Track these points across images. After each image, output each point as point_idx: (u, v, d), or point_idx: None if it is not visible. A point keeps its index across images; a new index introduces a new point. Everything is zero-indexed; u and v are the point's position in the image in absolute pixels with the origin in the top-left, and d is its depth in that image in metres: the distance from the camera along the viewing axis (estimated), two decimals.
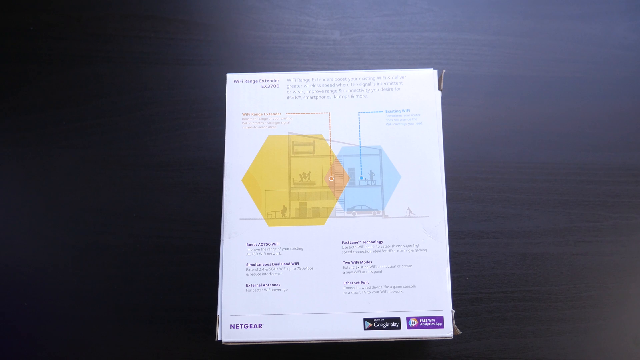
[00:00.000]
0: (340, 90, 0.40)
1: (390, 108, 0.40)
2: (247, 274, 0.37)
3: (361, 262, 0.37)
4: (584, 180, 0.49)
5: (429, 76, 0.40)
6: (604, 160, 0.49)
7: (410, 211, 0.38)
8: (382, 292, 0.37)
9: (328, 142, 0.39)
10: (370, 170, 0.39)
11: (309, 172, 0.39)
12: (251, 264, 0.37)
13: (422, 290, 0.37)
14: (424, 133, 0.39)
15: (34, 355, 0.45)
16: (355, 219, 0.38)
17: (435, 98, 0.40)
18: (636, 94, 0.51)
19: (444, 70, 0.40)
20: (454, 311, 0.37)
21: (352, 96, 0.40)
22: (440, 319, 0.37)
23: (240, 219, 0.38)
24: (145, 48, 0.52)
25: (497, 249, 0.47)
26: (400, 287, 0.37)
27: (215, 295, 0.37)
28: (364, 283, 0.37)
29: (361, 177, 0.39)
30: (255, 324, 0.36)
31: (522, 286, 0.46)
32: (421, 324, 0.36)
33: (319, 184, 0.39)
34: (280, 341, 0.36)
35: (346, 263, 0.37)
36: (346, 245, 0.38)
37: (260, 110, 0.40)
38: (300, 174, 0.39)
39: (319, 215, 0.38)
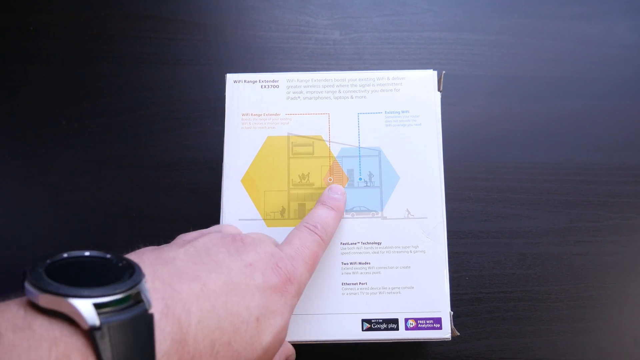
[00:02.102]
0: (339, 91, 0.40)
1: (389, 109, 0.40)
2: None
3: (360, 263, 0.37)
4: (584, 180, 0.49)
5: (428, 77, 0.40)
6: (604, 160, 0.49)
7: (409, 212, 0.38)
8: (380, 293, 0.37)
9: (327, 143, 0.39)
10: (369, 172, 0.39)
11: (308, 173, 0.39)
12: None
13: (420, 291, 0.37)
14: (424, 134, 0.39)
15: None
16: (353, 220, 0.38)
17: (434, 99, 0.40)
18: (636, 94, 0.51)
19: (444, 72, 0.40)
20: (452, 312, 0.37)
21: (352, 97, 0.40)
22: (438, 320, 0.37)
23: (240, 220, 0.38)
24: (145, 48, 0.52)
25: (497, 249, 0.47)
26: (399, 288, 0.37)
27: None
28: (362, 284, 0.37)
29: (360, 178, 0.39)
30: None
31: (522, 286, 0.46)
32: (419, 325, 0.36)
33: (318, 185, 0.39)
34: None
35: (344, 264, 0.37)
36: (345, 246, 0.38)
37: (259, 111, 0.40)
38: (299, 175, 0.39)
39: None
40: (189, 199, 0.48)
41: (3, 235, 0.47)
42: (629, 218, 0.48)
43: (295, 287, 0.29)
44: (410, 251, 0.38)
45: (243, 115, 0.40)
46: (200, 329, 0.23)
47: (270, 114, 0.40)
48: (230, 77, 0.41)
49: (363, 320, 0.37)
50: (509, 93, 0.51)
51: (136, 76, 0.51)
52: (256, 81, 0.41)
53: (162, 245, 0.30)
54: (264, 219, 0.38)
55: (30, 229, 0.48)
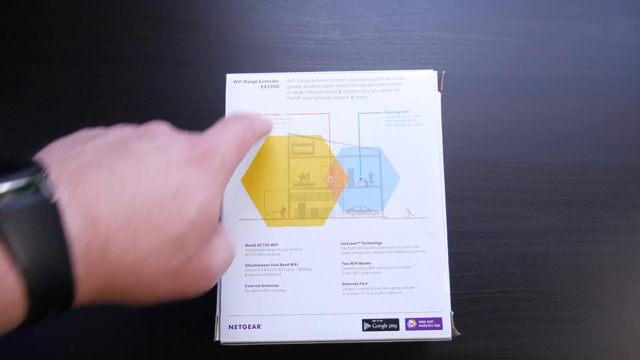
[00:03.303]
0: (339, 91, 0.40)
1: (389, 109, 0.40)
2: (246, 275, 0.37)
3: (360, 263, 0.37)
4: (584, 180, 0.49)
5: (428, 77, 0.40)
6: (604, 160, 0.49)
7: (410, 212, 0.38)
8: (380, 293, 0.37)
9: (327, 143, 0.39)
10: (370, 171, 0.39)
11: (308, 172, 0.39)
12: (250, 265, 0.37)
13: (421, 291, 0.37)
14: (424, 134, 0.39)
15: (32, 355, 0.45)
16: (354, 220, 0.38)
17: (435, 99, 0.40)
18: (636, 94, 0.51)
19: (444, 72, 0.40)
20: (452, 312, 0.37)
21: (352, 97, 0.40)
22: (439, 321, 0.37)
23: (240, 220, 0.38)
24: (145, 48, 0.52)
25: (497, 249, 0.47)
26: (399, 288, 0.37)
27: (214, 295, 0.37)
28: (363, 284, 0.37)
29: (360, 178, 0.39)
30: (254, 325, 0.36)
31: (522, 286, 0.46)
32: (420, 325, 0.37)
33: (318, 185, 0.39)
34: (279, 342, 0.36)
35: (345, 264, 0.37)
36: (345, 246, 0.38)
37: (259, 111, 0.40)
38: (299, 175, 0.39)
39: (318, 216, 0.38)
40: None
41: None
42: (629, 218, 0.48)
43: (218, 160, 0.28)
44: (411, 251, 0.38)
45: None
46: (112, 208, 0.23)
47: (270, 114, 0.40)
48: (230, 77, 0.41)
49: (363, 321, 0.37)
50: (509, 93, 0.51)
51: (136, 76, 0.51)
52: (256, 81, 0.41)
53: (71, 138, 0.28)
54: (264, 219, 0.38)
55: None
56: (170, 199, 0.25)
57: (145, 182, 0.24)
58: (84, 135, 0.28)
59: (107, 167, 0.24)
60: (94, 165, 0.24)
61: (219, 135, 0.30)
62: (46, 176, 0.22)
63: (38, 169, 0.22)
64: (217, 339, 0.37)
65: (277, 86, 0.41)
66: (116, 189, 0.23)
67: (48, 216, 0.21)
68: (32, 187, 0.21)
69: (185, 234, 0.25)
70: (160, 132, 0.28)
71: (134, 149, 0.26)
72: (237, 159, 0.30)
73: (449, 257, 0.38)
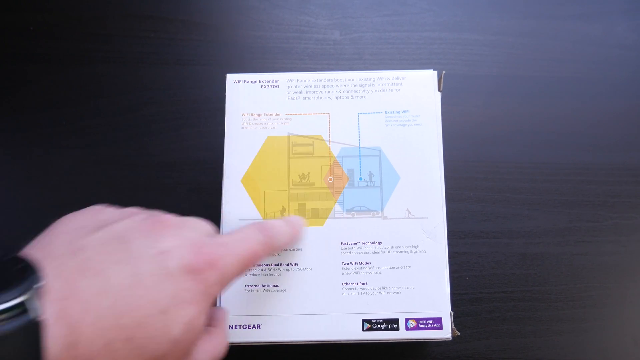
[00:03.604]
0: (339, 91, 0.40)
1: (389, 109, 0.40)
2: (246, 275, 0.37)
3: (360, 263, 0.37)
4: (584, 180, 0.49)
5: (428, 77, 0.40)
6: (604, 160, 0.49)
7: (410, 212, 0.38)
8: (380, 293, 0.37)
9: (327, 143, 0.39)
10: (370, 171, 0.39)
11: (308, 172, 0.39)
12: None
13: (420, 291, 0.37)
14: (424, 134, 0.39)
15: None
16: (354, 220, 0.38)
17: (434, 99, 0.40)
18: (636, 94, 0.51)
19: (444, 72, 0.40)
20: (452, 312, 0.37)
21: (352, 97, 0.40)
22: (439, 321, 0.37)
23: (240, 220, 0.38)
24: (145, 48, 0.52)
25: (497, 249, 0.47)
26: (399, 288, 0.37)
27: None
28: (363, 284, 0.37)
29: (360, 178, 0.39)
30: (254, 325, 0.36)
31: (522, 286, 0.46)
32: (420, 325, 0.36)
33: (318, 185, 0.39)
34: (279, 342, 0.36)
35: (345, 264, 0.37)
36: (345, 246, 0.38)
37: (259, 111, 0.40)
38: (299, 175, 0.39)
39: (318, 216, 0.38)
40: (189, 199, 0.48)
41: (3, 236, 0.47)
42: (629, 218, 0.48)
43: (217, 275, 0.27)
44: (411, 251, 0.38)
45: (243, 115, 0.40)
46: (95, 329, 0.22)
47: (270, 114, 0.40)
48: (230, 77, 0.41)
49: (363, 321, 0.37)
50: (509, 93, 0.51)
51: (136, 76, 0.51)
52: (256, 81, 0.41)
53: (80, 215, 0.28)
54: (264, 219, 0.38)
55: (30, 229, 0.47)
56: (158, 317, 0.24)
57: (135, 298, 0.24)
58: (93, 219, 0.28)
59: (103, 274, 0.24)
60: (91, 269, 0.24)
61: (231, 245, 0.29)
62: (38, 292, 0.21)
63: (32, 283, 0.21)
64: None
65: (277, 86, 0.41)
66: (105, 304, 0.23)
67: (31, 338, 0.20)
68: (22, 307, 0.20)
69: (166, 354, 0.25)
70: (169, 230, 0.27)
71: (135, 253, 0.25)
72: (238, 274, 0.29)
73: (449, 257, 0.38)
